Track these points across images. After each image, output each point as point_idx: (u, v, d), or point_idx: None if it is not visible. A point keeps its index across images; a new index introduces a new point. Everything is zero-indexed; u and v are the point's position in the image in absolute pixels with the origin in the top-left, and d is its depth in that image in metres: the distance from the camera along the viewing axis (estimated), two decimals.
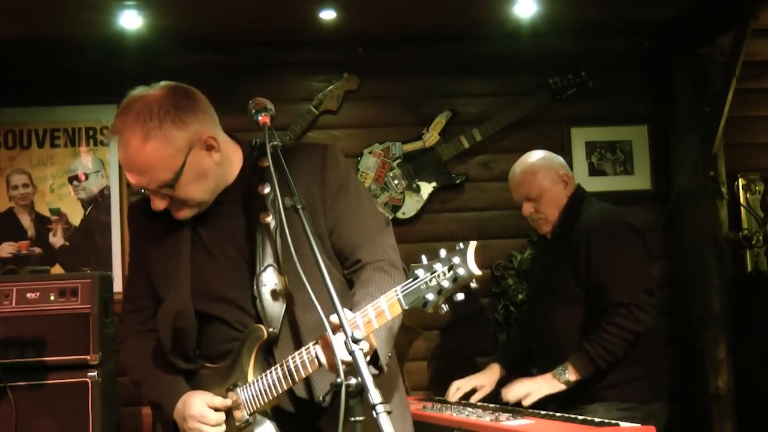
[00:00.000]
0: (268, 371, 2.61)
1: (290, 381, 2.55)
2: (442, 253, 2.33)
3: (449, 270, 2.29)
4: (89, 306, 4.46)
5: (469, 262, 2.29)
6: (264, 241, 2.61)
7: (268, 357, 2.68)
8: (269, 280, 2.64)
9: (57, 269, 5.67)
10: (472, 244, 2.32)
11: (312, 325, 2.59)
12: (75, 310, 4.45)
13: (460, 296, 2.31)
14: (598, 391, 4.04)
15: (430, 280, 2.30)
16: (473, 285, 2.33)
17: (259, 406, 2.63)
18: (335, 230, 2.74)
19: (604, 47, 6.05)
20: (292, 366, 2.54)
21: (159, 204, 2.68)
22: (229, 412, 2.69)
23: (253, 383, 2.63)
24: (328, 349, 2.39)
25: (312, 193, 2.70)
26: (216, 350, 2.76)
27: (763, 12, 5.35)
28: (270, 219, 2.64)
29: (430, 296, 2.30)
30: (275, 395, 2.59)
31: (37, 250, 5.74)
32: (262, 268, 2.65)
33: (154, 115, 2.58)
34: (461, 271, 2.27)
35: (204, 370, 2.80)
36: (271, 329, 2.63)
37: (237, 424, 2.67)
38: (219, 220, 2.76)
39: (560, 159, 4.44)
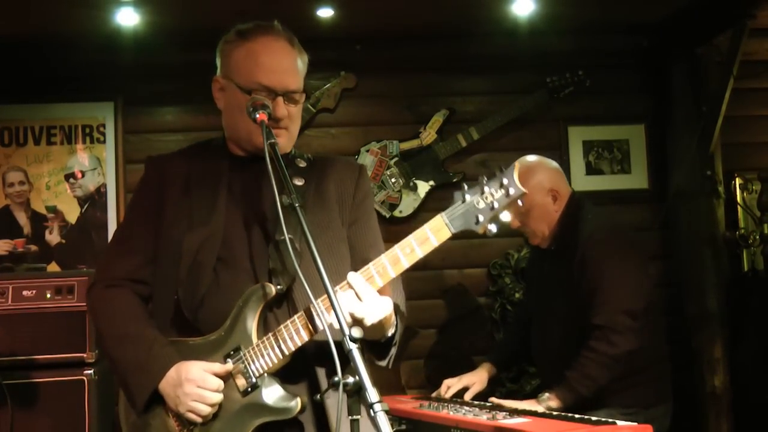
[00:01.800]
0: (274, 331, 2.59)
1: (295, 344, 2.56)
2: (484, 177, 2.52)
3: (500, 188, 2.48)
4: (85, 304, 4.45)
5: (516, 180, 2.48)
6: (289, 215, 2.56)
7: (273, 319, 2.67)
8: (284, 248, 2.63)
9: (53, 267, 5.66)
10: (517, 165, 2.53)
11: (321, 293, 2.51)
12: (71, 308, 4.44)
13: (506, 217, 2.51)
14: (600, 398, 4.03)
15: (478, 202, 2.49)
16: (519, 203, 2.50)
17: (266, 368, 2.60)
18: (355, 224, 2.87)
19: (601, 46, 6.05)
20: (292, 329, 2.56)
21: (282, 111, 2.75)
22: (226, 379, 2.63)
23: (259, 345, 2.61)
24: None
25: (346, 188, 2.88)
26: (218, 306, 2.68)
27: (761, 11, 5.36)
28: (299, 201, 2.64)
29: (481, 216, 2.48)
30: (285, 355, 2.58)
31: (33, 247, 5.73)
32: (281, 237, 2.63)
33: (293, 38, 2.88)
34: (512, 189, 2.48)
35: (195, 341, 2.71)
36: (279, 287, 2.64)
37: (241, 390, 2.61)
38: (256, 177, 2.78)
39: (551, 167, 4.39)
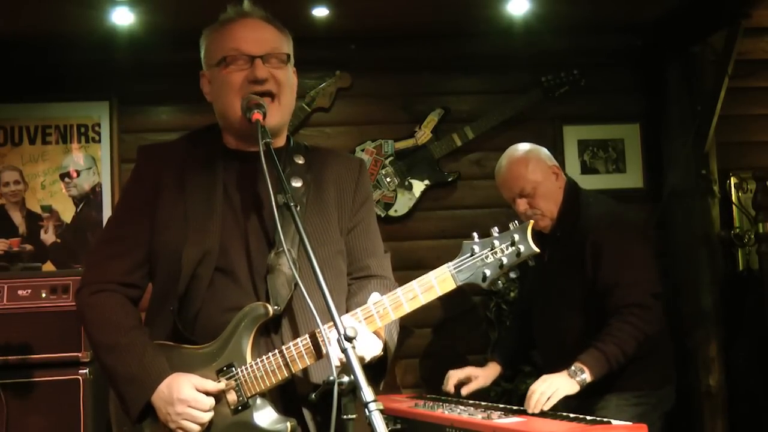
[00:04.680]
0: (269, 354, 2.56)
1: (290, 369, 2.54)
2: (495, 231, 2.48)
3: (511, 245, 2.46)
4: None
5: (529, 239, 2.46)
6: (287, 223, 2.55)
7: (267, 338, 2.64)
8: (283, 261, 2.62)
9: (48, 266, 5.65)
10: (531, 222, 2.50)
11: (318, 313, 2.45)
12: (66, 308, 4.43)
13: (513, 274, 2.48)
14: (611, 382, 4.03)
15: (487, 257, 2.46)
16: (530, 263, 2.50)
17: (259, 388, 2.57)
18: (354, 230, 2.84)
19: (596, 45, 6.05)
20: (287, 355, 2.54)
21: (263, 71, 2.70)
22: (218, 396, 2.59)
23: (252, 365, 2.57)
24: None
25: (346, 189, 2.83)
26: (214, 318, 2.64)
27: (756, 10, 5.36)
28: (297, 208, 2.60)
29: (489, 271, 2.45)
30: (278, 379, 2.56)
31: (29, 247, 5.72)
32: (279, 249, 2.62)
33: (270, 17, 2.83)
34: (523, 248, 2.45)
35: (187, 349, 2.67)
36: (276, 307, 2.60)
37: (231, 407, 2.59)
38: (252, 177, 2.73)
39: (546, 150, 4.38)
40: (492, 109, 5.97)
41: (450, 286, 2.49)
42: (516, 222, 2.50)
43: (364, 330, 2.50)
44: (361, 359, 2.41)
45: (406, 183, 5.93)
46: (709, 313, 5.76)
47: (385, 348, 2.65)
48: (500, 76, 6.12)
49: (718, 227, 5.89)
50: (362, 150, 5.93)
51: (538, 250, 2.48)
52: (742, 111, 6.14)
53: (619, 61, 6.20)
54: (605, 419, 3.58)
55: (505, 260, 2.45)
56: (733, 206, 6.11)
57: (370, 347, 2.53)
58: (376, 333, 2.58)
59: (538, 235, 4.34)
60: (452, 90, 6.13)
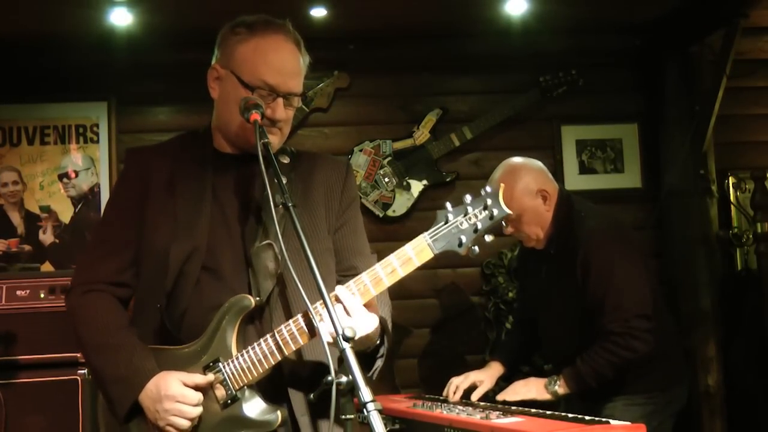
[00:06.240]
0: (256, 343, 2.56)
1: (283, 352, 2.54)
2: (468, 198, 2.49)
3: (484, 209, 2.47)
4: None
5: (501, 202, 2.47)
6: (270, 219, 2.55)
7: (253, 332, 2.64)
8: (266, 256, 2.64)
9: (47, 267, 5.65)
10: (502, 186, 2.51)
11: (302, 304, 2.51)
12: (65, 308, 4.43)
13: (489, 238, 2.48)
14: (618, 385, 4.06)
15: (461, 223, 2.48)
16: (504, 225, 2.48)
17: (247, 380, 2.57)
18: (341, 230, 2.84)
19: (594, 45, 6.05)
20: (279, 338, 2.54)
21: (282, 113, 2.73)
22: (206, 391, 2.59)
23: (239, 357, 2.58)
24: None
25: (333, 191, 2.85)
26: (201, 316, 2.64)
27: (753, 11, 5.37)
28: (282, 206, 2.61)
29: (464, 237, 2.47)
30: (265, 368, 2.56)
31: (27, 247, 5.72)
32: (262, 243, 2.64)
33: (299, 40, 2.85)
34: (496, 211, 2.46)
35: (175, 350, 2.66)
36: (257, 299, 2.61)
37: (220, 402, 2.58)
38: (241, 179, 2.76)
39: (536, 167, 4.31)
40: (490, 110, 5.98)
41: (427, 255, 2.50)
42: (487, 187, 2.51)
43: (356, 304, 2.51)
44: (366, 338, 2.49)
45: (405, 183, 5.94)
46: (707, 313, 5.76)
47: (383, 325, 2.66)
48: (498, 76, 6.13)
49: (717, 227, 5.90)
50: (360, 150, 5.94)
51: (510, 212, 2.48)
52: (741, 111, 6.15)
53: (617, 61, 6.20)
54: (603, 419, 3.58)
55: (479, 225, 2.46)
56: (732, 206, 6.12)
57: (364, 322, 2.53)
58: (368, 305, 2.57)
59: (534, 251, 4.37)
60: (450, 90, 6.14)
